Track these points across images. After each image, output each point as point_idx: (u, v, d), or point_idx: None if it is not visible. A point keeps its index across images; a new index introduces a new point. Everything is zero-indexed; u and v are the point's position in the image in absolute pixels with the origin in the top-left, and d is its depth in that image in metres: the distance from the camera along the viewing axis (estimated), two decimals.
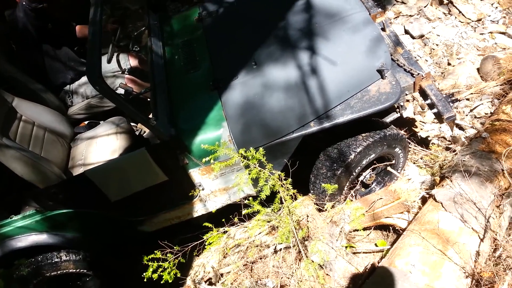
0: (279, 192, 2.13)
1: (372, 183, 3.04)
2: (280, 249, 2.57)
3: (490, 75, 3.66)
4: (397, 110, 2.85)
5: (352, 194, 2.82)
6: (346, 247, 2.64)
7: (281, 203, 2.13)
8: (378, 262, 2.41)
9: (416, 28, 4.37)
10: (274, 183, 2.10)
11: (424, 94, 2.72)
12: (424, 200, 2.62)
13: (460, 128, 3.40)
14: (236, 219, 2.53)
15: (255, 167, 2.12)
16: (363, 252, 2.70)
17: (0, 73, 2.94)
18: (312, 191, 2.86)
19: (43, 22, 3.11)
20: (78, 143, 3.11)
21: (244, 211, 2.29)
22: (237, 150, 2.39)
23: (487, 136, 2.70)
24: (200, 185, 2.68)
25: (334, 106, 2.51)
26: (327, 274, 2.42)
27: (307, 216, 2.71)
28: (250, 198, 2.23)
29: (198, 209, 2.86)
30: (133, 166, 2.53)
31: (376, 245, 2.75)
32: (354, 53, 2.59)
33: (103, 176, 2.55)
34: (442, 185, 2.46)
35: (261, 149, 2.21)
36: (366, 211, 2.69)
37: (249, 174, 2.14)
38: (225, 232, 2.64)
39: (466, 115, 3.52)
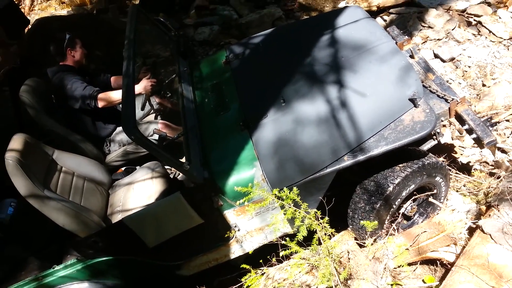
0: (316, 231, 2.08)
1: (414, 215, 2.91)
2: None
3: None
4: (434, 137, 2.76)
5: (393, 228, 2.71)
6: (391, 285, 2.52)
7: (319, 243, 2.07)
8: None
9: (446, 52, 4.29)
10: (311, 223, 2.05)
11: (460, 120, 2.63)
12: (471, 231, 2.48)
13: (503, 151, 3.25)
14: (274, 260, 2.48)
15: (290, 207, 2.09)
16: None
17: (41, 127, 3.09)
18: (351, 226, 2.77)
19: (82, 76, 3.28)
20: (116, 189, 3.18)
21: (282, 253, 2.24)
22: (271, 190, 2.37)
23: None
24: (235, 226, 2.66)
25: (367, 138, 2.46)
26: None
27: (348, 252, 2.62)
28: (287, 238, 2.18)
29: (235, 250, 2.83)
30: (169, 211, 2.55)
31: (423, 281, 2.60)
32: (383, 84, 2.55)
33: (140, 223, 2.58)
34: (489, 215, 2.33)
35: (294, 188, 2.17)
36: (410, 246, 2.57)
37: (284, 214, 2.10)
38: (263, 274, 2.59)
39: (508, 137, 3.36)
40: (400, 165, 2.56)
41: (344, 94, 2.53)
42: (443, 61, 4.27)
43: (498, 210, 2.31)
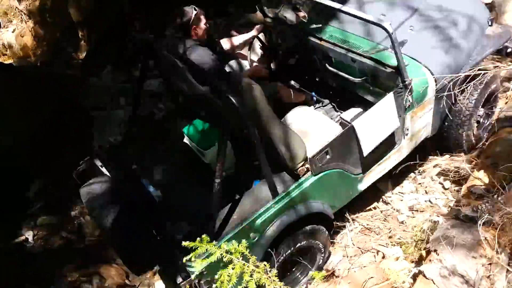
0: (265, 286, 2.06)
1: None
2: None
3: None
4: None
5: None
6: None
7: None
8: None
9: None
10: (260, 277, 2.04)
11: None
12: (415, 277, 2.57)
13: None
14: None
15: (238, 261, 2.07)
16: None
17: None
18: None
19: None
20: None
21: None
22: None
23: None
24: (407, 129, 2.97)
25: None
26: None
27: None
28: None
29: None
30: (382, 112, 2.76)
31: None
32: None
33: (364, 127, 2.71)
34: (430, 260, 2.44)
35: (243, 241, 2.18)
36: None
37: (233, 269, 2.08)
38: None
39: None
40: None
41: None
42: None
43: (438, 255, 2.43)
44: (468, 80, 2.79)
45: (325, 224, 2.90)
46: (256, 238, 2.53)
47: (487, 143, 3.39)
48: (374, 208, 3.52)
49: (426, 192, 3.52)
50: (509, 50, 3.36)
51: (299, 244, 2.77)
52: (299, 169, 2.71)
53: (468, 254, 2.35)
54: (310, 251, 2.96)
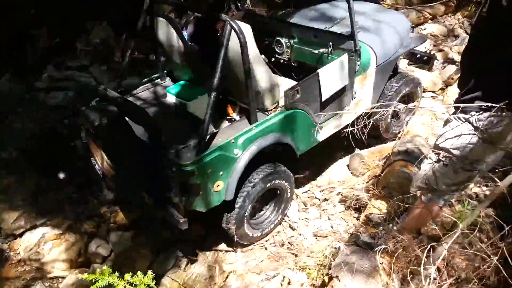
0: None
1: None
2: None
3: (358, 171, 4.11)
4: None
5: None
6: None
7: None
8: None
9: None
10: None
11: None
12: None
13: None
14: None
15: None
16: None
17: None
18: None
19: None
20: None
21: None
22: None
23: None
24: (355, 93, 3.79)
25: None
26: None
27: None
28: None
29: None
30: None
31: None
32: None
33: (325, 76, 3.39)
34: (332, 286, 2.55)
35: (149, 272, 2.09)
36: None
37: None
38: None
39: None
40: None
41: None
42: None
43: (339, 281, 2.55)
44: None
45: (290, 166, 3.49)
46: (238, 155, 2.96)
47: (382, 174, 3.70)
48: (280, 232, 3.63)
49: (329, 218, 3.72)
50: (418, 55, 4.31)
51: (269, 185, 3.28)
52: (271, 110, 3.25)
53: (367, 280, 2.50)
54: (277, 193, 3.51)
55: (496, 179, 2.39)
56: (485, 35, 2.02)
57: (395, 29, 4.11)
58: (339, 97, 3.66)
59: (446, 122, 2.32)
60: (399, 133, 4.43)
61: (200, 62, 3.43)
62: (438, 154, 2.31)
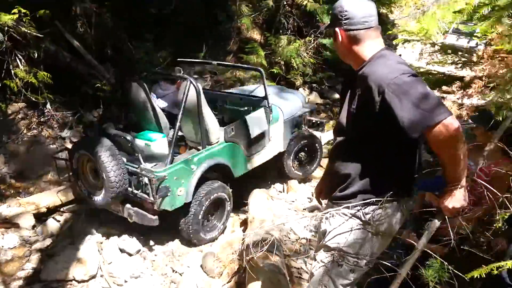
0: None
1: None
2: None
3: (214, 271, 3.81)
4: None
5: None
6: None
7: None
8: None
9: None
10: None
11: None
12: None
13: None
14: None
15: None
16: None
17: None
18: None
19: None
20: None
21: None
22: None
23: None
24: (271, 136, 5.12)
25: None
26: None
27: None
28: None
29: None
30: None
31: None
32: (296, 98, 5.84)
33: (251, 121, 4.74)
34: None
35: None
36: None
37: None
38: None
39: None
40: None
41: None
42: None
43: None
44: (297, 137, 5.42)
45: (228, 182, 4.59)
46: (194, 169, 4.11)
47: (246, 272, 3.31)
48: None
49: None
50: (313, 120, 5.72)
51: (214, 195, 4.30)
52: (214, 144, 4.38)
53: None
54: (221, 204, 4.49)
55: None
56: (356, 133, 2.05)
57: (294, 98, 5.72)
58: (261, 139, 4.92)
59: (325, 218, 2.21)
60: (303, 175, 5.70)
61: (163, 115, 4.58)
62: (332, 255, 2.15)
